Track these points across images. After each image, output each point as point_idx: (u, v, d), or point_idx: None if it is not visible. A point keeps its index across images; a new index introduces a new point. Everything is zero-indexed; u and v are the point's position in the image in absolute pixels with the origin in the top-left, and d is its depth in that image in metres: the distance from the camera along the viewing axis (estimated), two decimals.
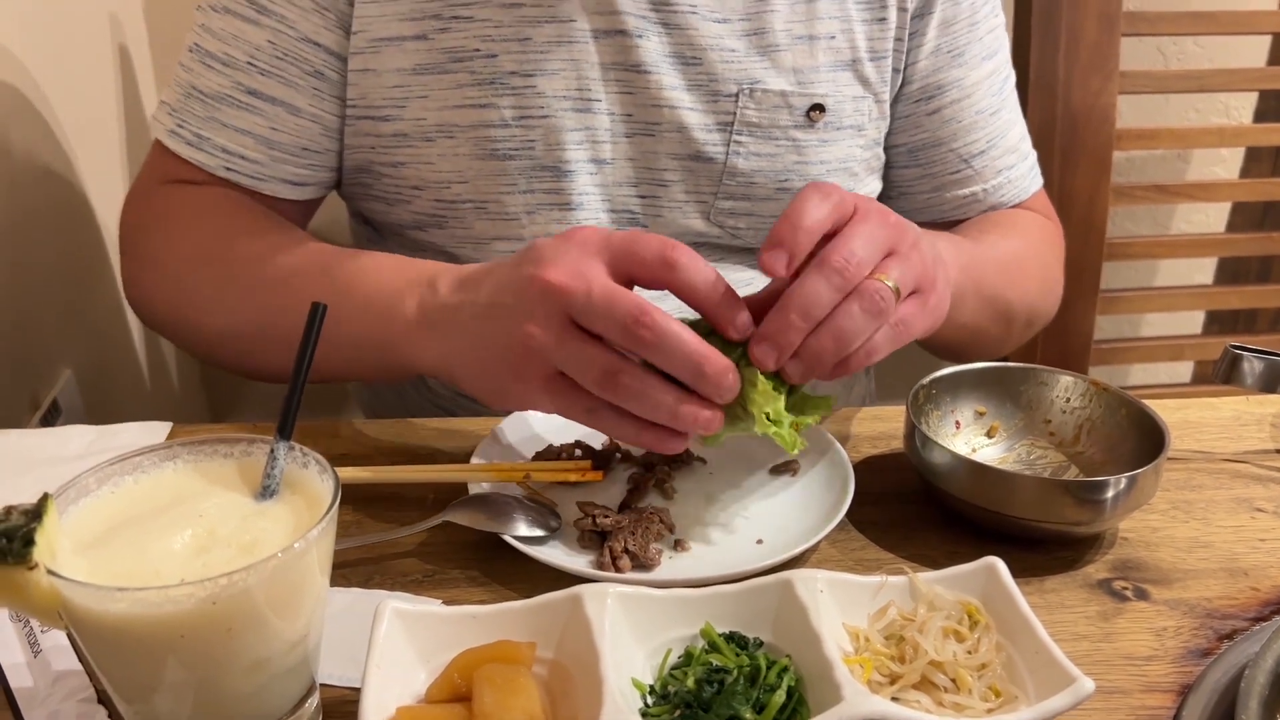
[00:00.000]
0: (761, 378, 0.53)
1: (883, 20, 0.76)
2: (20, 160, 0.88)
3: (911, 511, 0.62)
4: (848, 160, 0.77)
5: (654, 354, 0.52)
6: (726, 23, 0.73)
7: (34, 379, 0.90)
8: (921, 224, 0.66)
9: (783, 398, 0.54)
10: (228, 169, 0.73)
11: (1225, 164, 1.44)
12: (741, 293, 0.56)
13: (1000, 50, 0.82)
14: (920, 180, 0.83)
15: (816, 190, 0.57)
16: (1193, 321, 1.44)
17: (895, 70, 0.78)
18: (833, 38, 0.75)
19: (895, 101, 0.79)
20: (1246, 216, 1.41)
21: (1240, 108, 1.41)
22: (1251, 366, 0.64)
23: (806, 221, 0.55)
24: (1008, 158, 0.83)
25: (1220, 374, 0.65)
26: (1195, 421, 0.70)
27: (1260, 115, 1.36)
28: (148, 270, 0.74)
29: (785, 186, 0.76)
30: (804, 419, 0.56)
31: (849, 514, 0.59)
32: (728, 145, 0.75)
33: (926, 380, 0.64)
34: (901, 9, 0.76)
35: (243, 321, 0.69)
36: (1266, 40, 1.27)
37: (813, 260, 0.55)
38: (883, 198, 0.84)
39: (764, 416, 0.53)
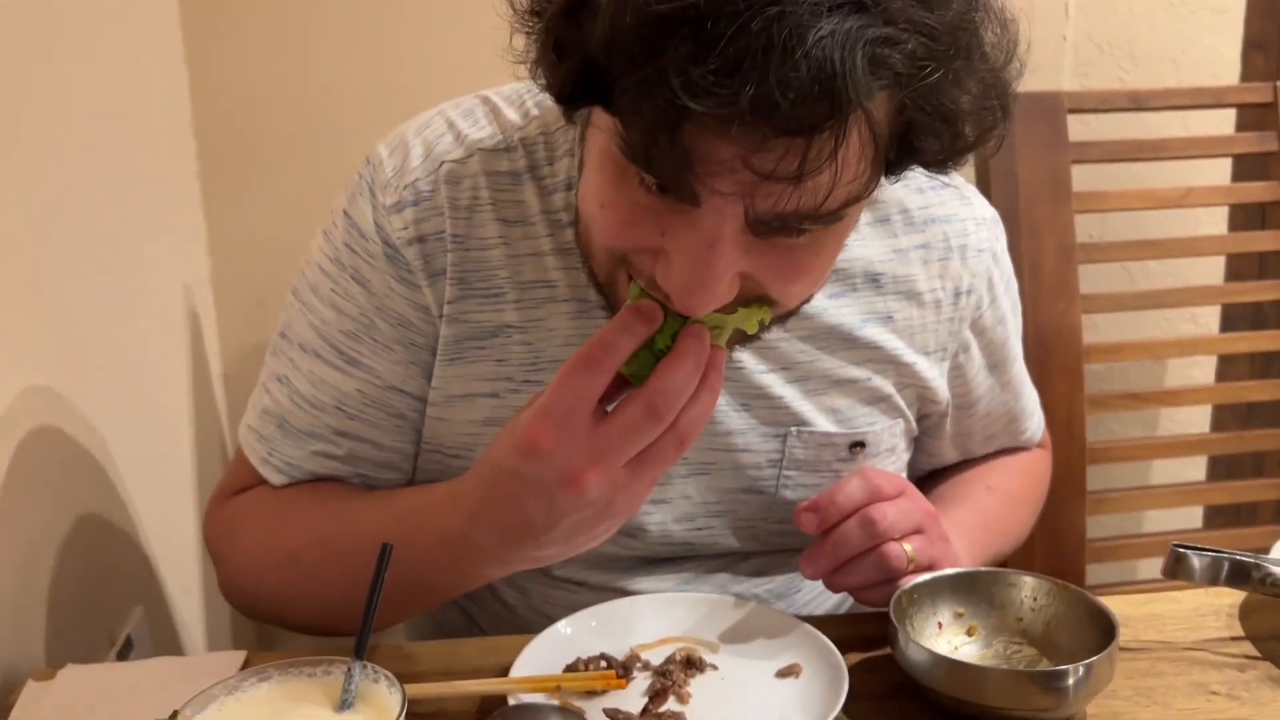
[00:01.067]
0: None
1: (902, 363, 0.83)
2: (91, 417, 1.00)
3: (899, 705, 0.69)
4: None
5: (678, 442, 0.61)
6: (773, 372, 0.80)
7: (110, 617, 1.00)
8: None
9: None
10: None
11: (1200, 367, 1.54)
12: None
13: (1017, 332, 0.92)
14: (942, 454, 0.94)
15: (861, 476, 0.75)
16: (1192, 516, 1.50)
17: (929, 401, 0.87)
18: (869, 380, 0.83)
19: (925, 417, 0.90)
20: (1232, 414, 1.50)
21: (1207, 316, 1.53)
22: (1195, 563, 0.73)
23: (841, 498, 0.74)
24: (1023, 421, 0.96)
25: (1167, 570, 0.73)
26: (1159, 614, 0.78)
27: (1226, 325, 1.48)
28: (235, 579, 0.83)
29: None
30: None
31: (845, 709, 0.66)
32: (778, 479, 0.83)
33: (908, 586, 0.73)
34: (925, 352, 0.84)
35: (326, 609, 0.77)
36: (1222, 259, 1.41)
37: (856, 514, 0.73)
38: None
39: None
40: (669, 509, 0.83)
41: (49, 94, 0.89)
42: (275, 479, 0.81)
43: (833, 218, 0.60)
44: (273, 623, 0.84)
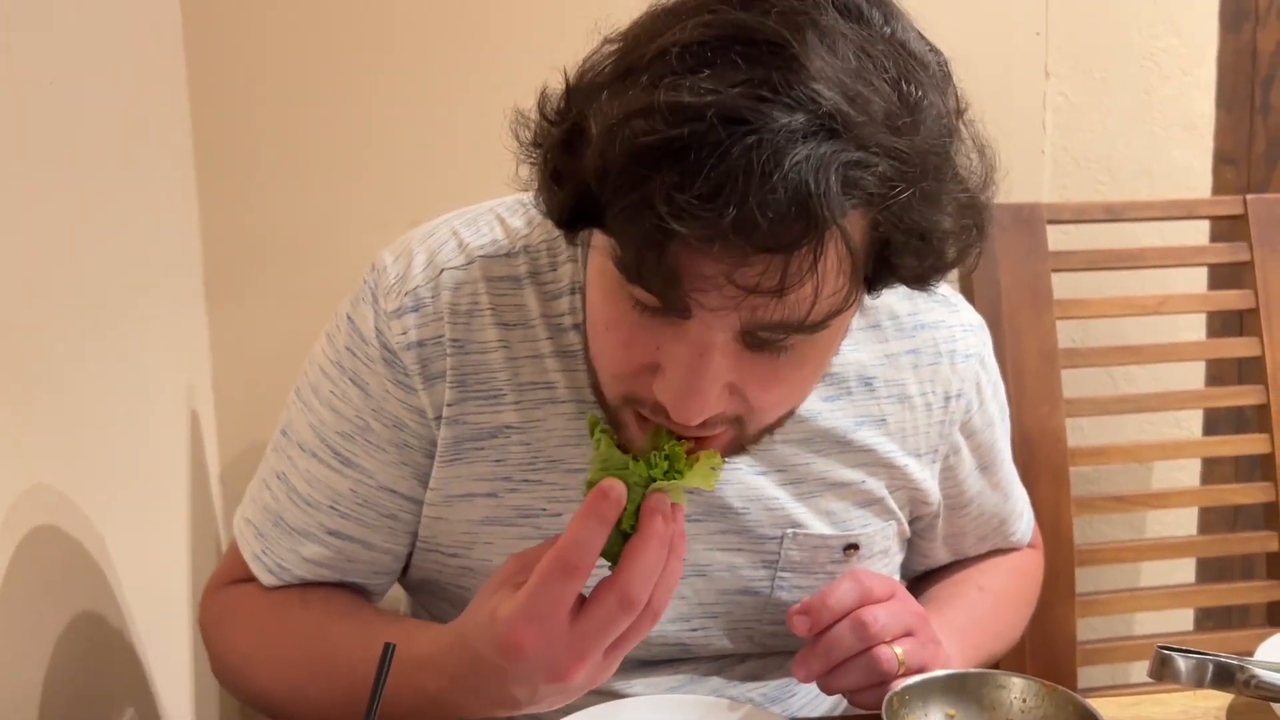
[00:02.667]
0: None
1: (894, 466, 0.85)
2: (92, 516, 1.01)
3: None
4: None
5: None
6: (768, 475, 0.82)
7: (101, 717, 0.99)
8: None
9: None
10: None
11: (1185, 470, 1.56)
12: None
13: (1005, 434, 0.94)
14: (930, 557, 0.95)
15: (853, 578, 0.77)
16: (1183, 619, 1.51)
17: (920, 502, 0.89)
18: (862, 482, 0.85)
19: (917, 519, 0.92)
20: (1219, 517, 1.51)
21: (1190, 420, 1.55)
22: (1181, 665, 0.74)
23: (832, 601, 0.75)
24: (1013, 521, 0.97)
25: (1153, 672, 0.74)
26: (1147, 716, 0.79)
27: (1209, 428, 1.50)
28: (226, 670, 0.86)
29: None
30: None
31: None
32: (773, 580, 0.84)
33: (899, 688, 0.74)
34: (917, 454, 0.86)
35: (318, 715, 0.79)
36: (1202, 364, 1.44)
37: (847, 616, 0.75)
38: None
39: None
40: (666, 610, 0.83)
41: (56, 195, 0.92)
42: (265, 579, 0.83)
43: (818, 328, 0.63)
44: (265, 714, 0.85)
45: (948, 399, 0.86)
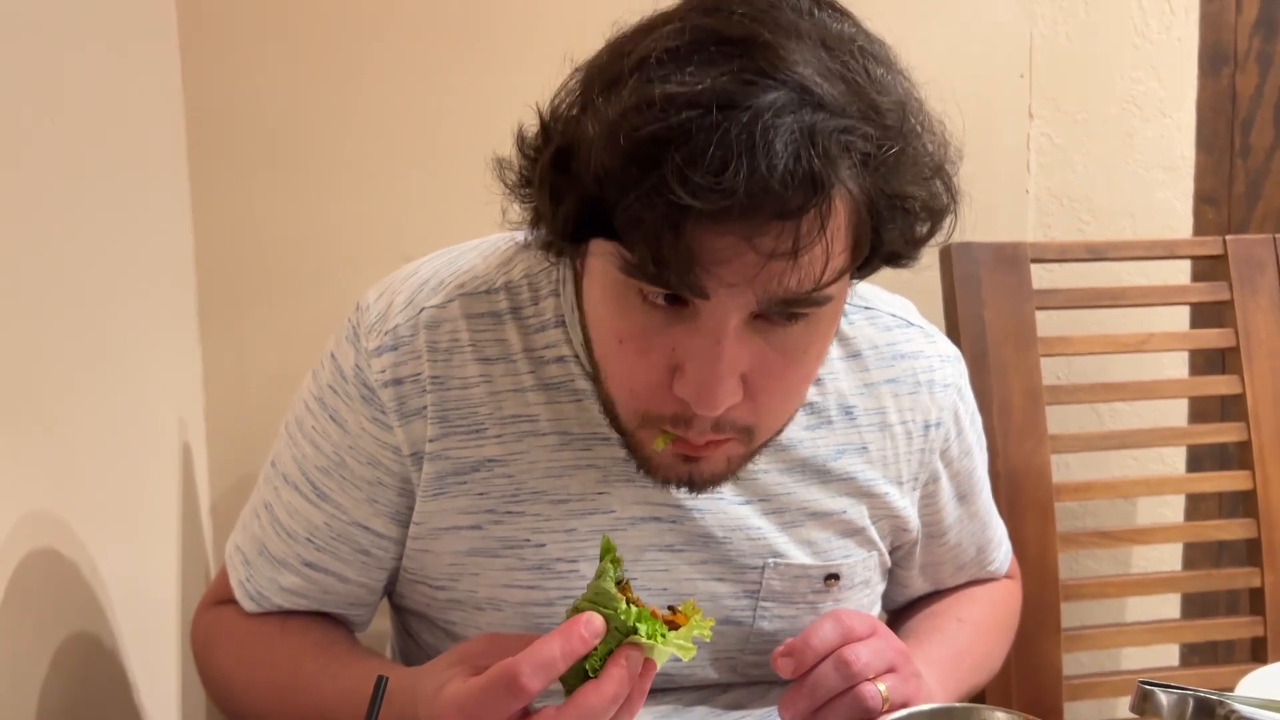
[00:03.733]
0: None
1: (874, 495, 0.87)
2: (86, 544, 1.02)
3: None
4: (858, 607, 0.89)
5: None
6: (749, 504, 0.83)
7: None
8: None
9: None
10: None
11: (1170, 505, 1.57)
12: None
13: (983, 464, 0.96)
14: (908, 587, 0.96)
15: (834, 618, 0.77)
16: (1169, 654, 1.51)
17: (901, 530, 0.90)
18: (844, 512, 0.86)
19: (897, 548, 0.93)
20: (1204, 552, 1.53)
21: (1174, 456, 1.57)
22: (1163, 700, 0.75)
23: (815, 641, 0.76)
24: (991, 551, 0.99)
25: (1134, 707, 0.75)
26: None
27: (1192, 464, 1.52)
28: (212, 684, 0.90)
29: None
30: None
31: None
32: (754, 610, 0.85)
33: None
34: (898, 482, 0.88)
35: None
36: (1185, 402, 1.46)
37: (830, 656, 0.75)
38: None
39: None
40: None
41: (50, 226, 0.93)
42: (247, 605, 0.87)
43: (822, 299, 0.67)
44: None
45: (927, 427, 0.88)
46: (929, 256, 1.28)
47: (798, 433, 0.84)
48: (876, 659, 0.76)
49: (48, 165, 0.92)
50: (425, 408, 0.79)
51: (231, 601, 0.89)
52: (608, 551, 0.68)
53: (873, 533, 0.88)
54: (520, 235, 0.82)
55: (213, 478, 1.36)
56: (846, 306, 0.82)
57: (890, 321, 0.89)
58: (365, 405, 0.80)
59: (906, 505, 0.89)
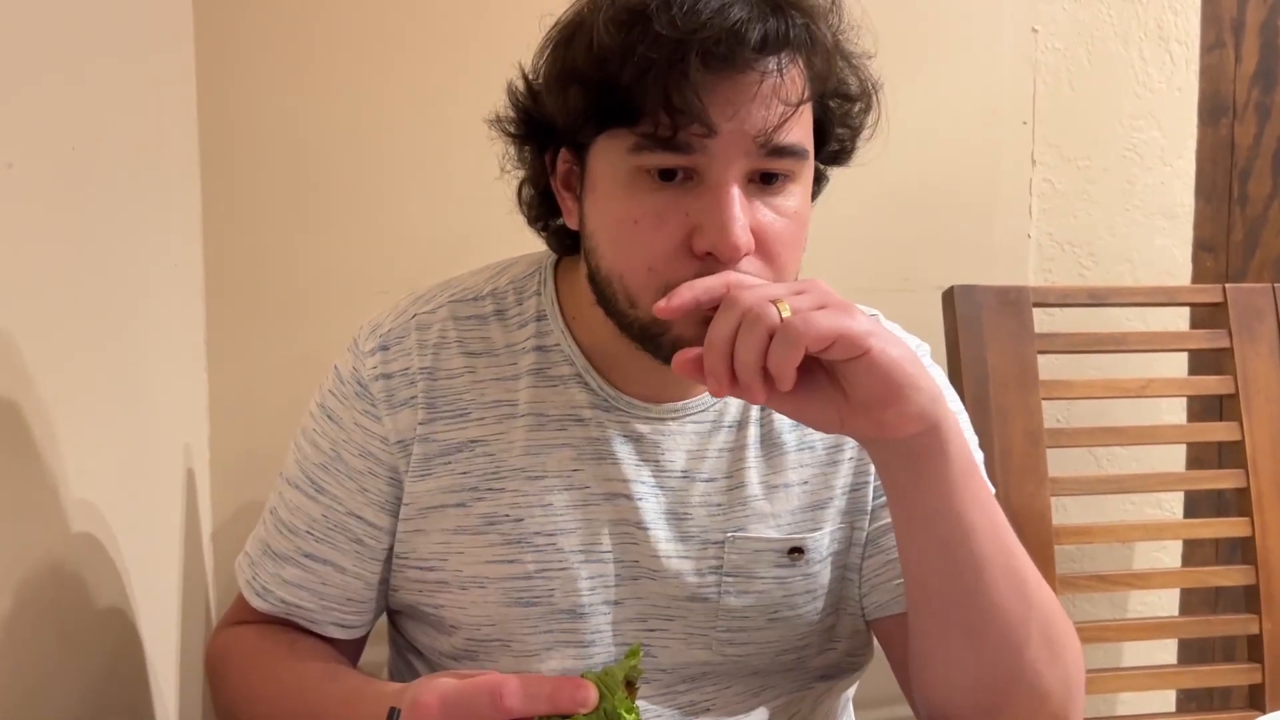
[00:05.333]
0: None
1: (836, 462, 0.89)
2: (86, 572, 1.02)
3: None
4: (829, 586, 0.89)
5: None
6: (712, 481, 0.87)
7: None
8: (896, 614, 0.86)
9: None
10: (288, 614, 0.90)
11: (1167, 550, 1.58)
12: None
13: (971, 435, 0.91)
14: (886, 567, 0.88)
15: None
16: (1166, 700, 1.51)
17: (866, 499, 0.89)
18: (805, 483, 0.88)
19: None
20: (1201, 598, 1.53)
21: (1172, 501, 1.58)
22: None
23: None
24: None
25: None
26: None
27: (1189, 510, 1.53)
28: (223, 706, 0.92)
29: (776, 617, 0.88)
30: None
31: None
32: (719, 586, 0.87)
33: None
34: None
35: None
36: (1183, 447, 1.47)
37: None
38: (857, 600, 0.91)
39: None
40: (621, 609, 0.87)
41: (59, 253, 0.94)
42: (255, 601, 0.91)
43: (799, 149, 0.77)
44: None
45: None
46: (933, 298, 1.32)
47: (752, 411, 0.88)
48: (774, 289, 0.70)
49: (60, 189, 0.93)
50: (415, 396, 0.86)
51: (247, 622, 0.93)
52: (634, 654, 0.71)
53: (842, 503, 0.89)
54: (516, 256, 0.93)
55: (215, 505, 1.36)
56: None
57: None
58: (358, 400, 0.87)
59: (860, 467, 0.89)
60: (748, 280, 0.71)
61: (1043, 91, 1.46)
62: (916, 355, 0.71)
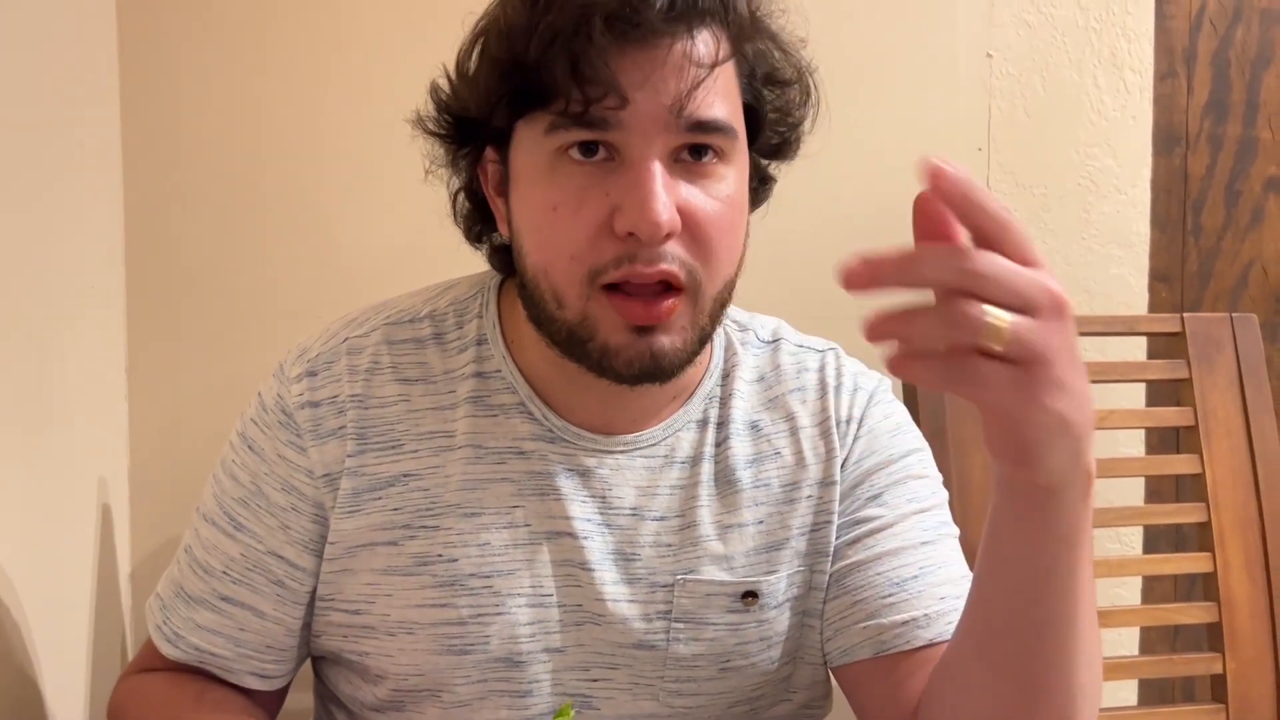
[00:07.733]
0: None
1: (794, 501, 0.83)
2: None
3: None
4: (786, 632, 0.83)
5: None
6: (662, 520, 0.82)
7: None
8: (863, 660, 0.80)
9: None
10: (200, 663, 0.83)
11: (1127, 586, 1.55)
12: None
13: (934, 508, 0.85)
14: (853, 609, 0.81)
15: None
16: None
17: (828, 540, 0.83)
18: (760, 522, 0.83)
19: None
20: (1160, 636, 1.50)
21: (1131, 536, 1.55)
22: None
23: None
24: (947, 588, 0.81)
25: None
26: None
27: (1148, 545, 1.50)
28: None
29: (728, 666, 0.82)
30: None
31: None
32: (668, 633, 0.81)
33: None
34: (825, 483, 0.83)
35: None
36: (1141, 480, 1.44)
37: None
38: (819, 647, 0.85)
39: None
40: (562, 657, 0.81)
41: None
42: (164, 648, 0.84)
43: (724, 126, 0.73)
44: None
45: (838, 424, 0.86)
46: None
47: (706, 448, 0.84)
48: (1013, 282, 0.52)
49: None
50: (344, 426, 0.81)
51: (156, 669, 0.86)
52: (565, 713, 0.71)
53: (800, 544, 0.83)
54: (458, 277, 0.88)
55: (135, 541, 1.29)
56: (750, 339, 0.88)
57: (793, 349, 0.90)
58: (282, 430, 0.82)
59: (834, 499, 0.84)
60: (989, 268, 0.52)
61: (997, 118, 1.44)
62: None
